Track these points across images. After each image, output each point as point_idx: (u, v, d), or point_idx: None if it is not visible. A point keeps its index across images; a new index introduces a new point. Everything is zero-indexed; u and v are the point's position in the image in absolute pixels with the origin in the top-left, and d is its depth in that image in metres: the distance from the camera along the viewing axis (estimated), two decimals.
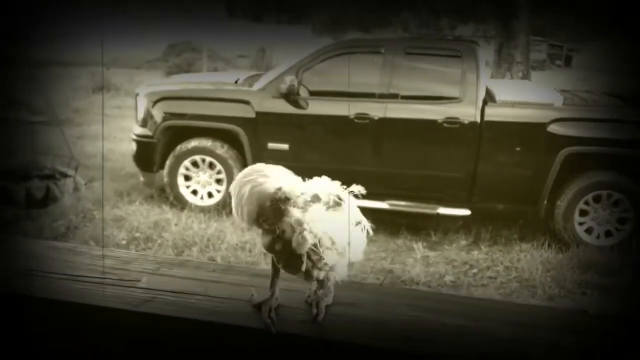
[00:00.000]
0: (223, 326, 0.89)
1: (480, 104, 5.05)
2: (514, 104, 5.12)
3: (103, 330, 0.92)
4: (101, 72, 11.93)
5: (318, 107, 5.38)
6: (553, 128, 4.93)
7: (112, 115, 9.59)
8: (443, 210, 5.13)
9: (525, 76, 9.85)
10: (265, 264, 4.52)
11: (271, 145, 5.38)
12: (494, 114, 5.05)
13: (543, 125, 4.94)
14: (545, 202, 5.01)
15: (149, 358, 0.93)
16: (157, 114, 5.58)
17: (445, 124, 5.08)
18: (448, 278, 4.43)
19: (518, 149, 4.99)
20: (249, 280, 0.99)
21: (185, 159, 5.54)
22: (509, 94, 5.30)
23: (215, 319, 0.90)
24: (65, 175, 2.03)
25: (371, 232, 0.98)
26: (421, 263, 4.64)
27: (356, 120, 5.23)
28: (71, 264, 1.02)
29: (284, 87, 5.27)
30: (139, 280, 0.98)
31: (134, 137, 5.73)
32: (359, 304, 0.97)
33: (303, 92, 5.37)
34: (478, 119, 5.03)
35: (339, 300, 0.97)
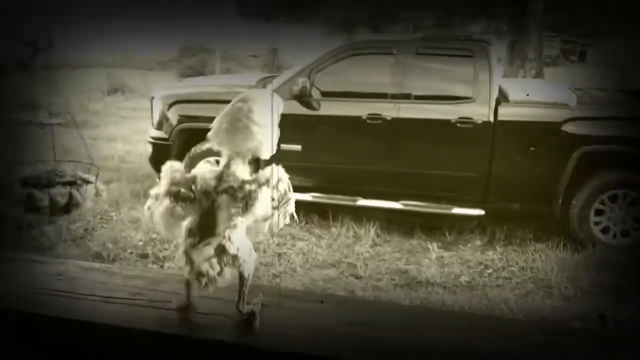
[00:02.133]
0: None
1: (493, 103, 5.04)
2: (527, 104, 5.11)
3: (135, 352, 0.94)
4: (115, 75, 12.02)
5: (330, 108, 5.40)
6: (567, 127, 4.91)
7: (127, 117, 9.68)
8: (457, 210, 5.13)
9: (539, 74, 9.80)
10: (279, 265, 4.55)
11: (284, 146, 5.38)
12: (507, 113, 5.04)
13: (557, 125, 4.92)
14: (561, 201, 4.99)
15: None
16: (173, 116, 5.63)
17: (458, 124, 5.09)
18: (463, 278, 4.44)
19: (532, 148, 4.98)
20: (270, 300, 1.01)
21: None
22: (523, 93, 5.28)
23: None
24: (87, 182, 2.06)
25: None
26: (436, 263, 4.64)
27: (369, 121, 5.24)
28: (105, 285, 1.04)
29: (296, 89, 5.30)
30: (169, 302, 1.00)
31: (150, 139, 5.80)
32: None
33: (315, 94, 5.40)
34: (491, 119, 5.02)
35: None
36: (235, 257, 0.96)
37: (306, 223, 5.32)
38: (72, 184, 2.48)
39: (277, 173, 0.98)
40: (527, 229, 5.18)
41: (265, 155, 0.95)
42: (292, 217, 0.98)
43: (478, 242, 5.06)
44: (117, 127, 8.97)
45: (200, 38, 16.19)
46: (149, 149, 5.83)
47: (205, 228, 0.95)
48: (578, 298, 4.10)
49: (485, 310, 3.91)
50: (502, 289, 4.27)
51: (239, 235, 0.97)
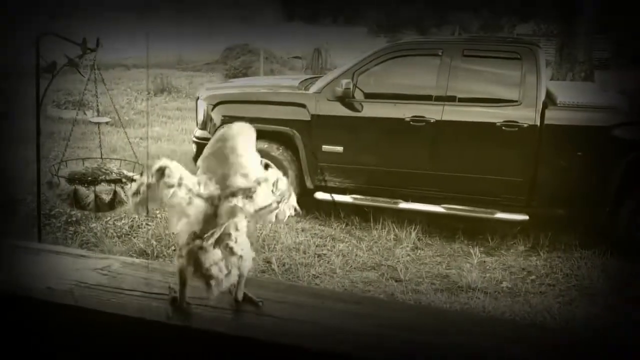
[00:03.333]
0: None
1: (540, 107, 4.93)
2: (575, 107, 4.98)
3: (170, 345, 0.96)
4: (162, 75, 12.28)
5: (373, 110, 5.38)
6: (617, 132, 4.77)
7: (173, 117, 9.88)
8: (501, 215, 5.03)
9: (588, 77, 9.53)
10: (319, 266, 4.55)
11: (326, 147, 5.42)
12: (554, 117, 4.93)
13: (606, 129, 4.78)
14: (608, 208, 4.84)
15: None
16: (216, 117, 5.71)
17: (503, 127, 5.00)
18: (505, 284, 4.36)
19: (580, 153, 4.85)
20: (306, 301, 1.02)
21: None
22: (571, 96, 5.15)
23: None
24: (132, 180, 2.12)
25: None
26: (478, 268, 4.57)
27: (412, 123, 5.20)
28: (145, 280, 1.06)
29: (339, 90, 5.30)
30: (206, 298, 1.01)
31: (195, 139, 5.91)
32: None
33: (358, 95, 5.39)
34: (538, 123, 4.91)
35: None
36: (240, 258, 0.99)
37: (346, 225, 5.31)
38: (116, 181, 2.56)
39: (276, 174, 1.03)
40: (572, 235, 5.04)
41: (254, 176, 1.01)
42: (295, 209, 1.02)
43: (521, 248, 4.96)
44: (163, 127, 9.15)
45: (247, 40, 16.40)
46: (193, 148, 5.94)
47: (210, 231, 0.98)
48: (624, 307, 3.97)
49: (527, 317, 3.83)
50: (546, 296, 4.17)
51: (243, 237, 1.01)
